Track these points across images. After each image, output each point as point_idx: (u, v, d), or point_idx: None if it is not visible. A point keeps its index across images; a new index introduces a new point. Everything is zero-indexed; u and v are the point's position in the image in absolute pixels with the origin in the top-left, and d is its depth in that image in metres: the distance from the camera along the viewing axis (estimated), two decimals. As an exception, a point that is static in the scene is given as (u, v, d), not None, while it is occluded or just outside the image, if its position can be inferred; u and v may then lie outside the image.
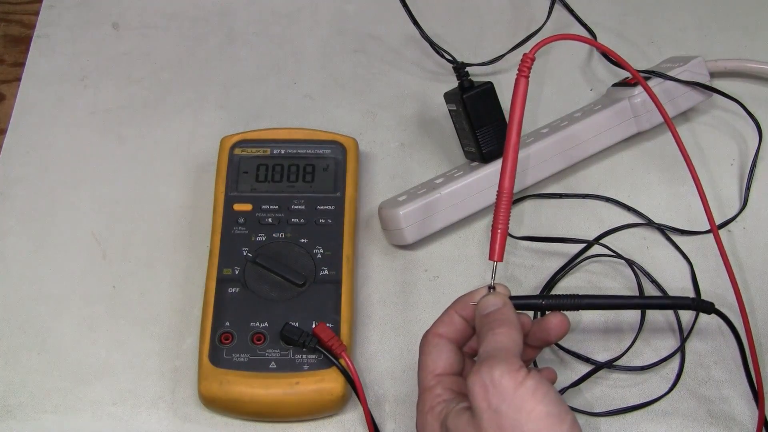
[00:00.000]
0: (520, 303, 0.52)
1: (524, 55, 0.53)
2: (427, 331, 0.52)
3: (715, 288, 0.63)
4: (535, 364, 0.59)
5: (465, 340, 0.53)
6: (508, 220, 0.53)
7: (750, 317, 0.62)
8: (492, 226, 0.53)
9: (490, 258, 0.53)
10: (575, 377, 0.59)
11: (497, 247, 0.53)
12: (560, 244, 0.64)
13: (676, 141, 0.59)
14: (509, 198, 0.53)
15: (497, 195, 0.53)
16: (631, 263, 0.63)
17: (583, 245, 0.64)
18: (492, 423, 0.44)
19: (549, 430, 0.44)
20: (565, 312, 0.52)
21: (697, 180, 0.59)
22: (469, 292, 0.52)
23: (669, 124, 0.59)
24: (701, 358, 0.60)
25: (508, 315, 0.49)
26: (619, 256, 0.63)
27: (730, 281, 0.58)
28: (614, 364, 0.59)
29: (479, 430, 0.45)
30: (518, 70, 0.53)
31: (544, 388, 0.45)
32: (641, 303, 0.57)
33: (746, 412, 0.58)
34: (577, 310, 0.54)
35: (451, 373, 0.51)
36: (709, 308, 0.53)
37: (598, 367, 0.59)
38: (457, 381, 0.51)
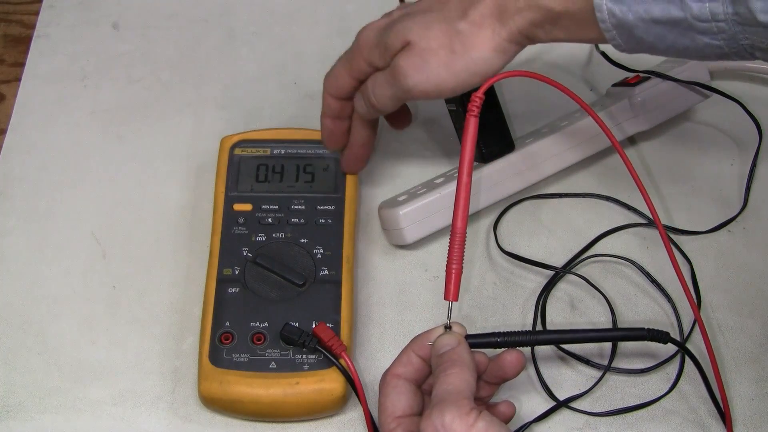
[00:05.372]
0: (476, 342, 0.52)
1: (473, 95, 0.52)
2: (386, 372, 0.52)
3: (714, 288, 0.63)
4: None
5: (423, 378, 0.53)
6: (462, 259, 0.52)
7: (750, 318, 0.62)
8: (446, 266, 0.53)
9: (446, 298, 0.53)
10: (579, 379, 0.59)
11: (452, 287, 0.52)
12: (558, 245, 0.65)
13: (620, 153, 0.58)
14: (462, 238, 0.52)
15: (450, 235, 0.53)
16: (601, 292, 0.63)
17: (580, 243, 0.65)
18: None
19: None
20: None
21: (645, 193, 0.58)
22: (425, 331, 0.52)
23: (615, 143, 0.58)
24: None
25: (461, 355, 0.49)
26: (593, 286, 0.63)
27: (688, 299, 0.58)
28: (615, 367, 0.59)
29: None
30: (468, 109, 0.53)
31: (494, 428, 0.45)
32: (596, 336, 0.57)
33: (746, 413, 0.58)
34: (533, 346, 0.53)
35: (411, 414, 0.51)
36: (664, 338, 0.53)
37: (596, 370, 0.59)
38: (417, 422, 0.50)
